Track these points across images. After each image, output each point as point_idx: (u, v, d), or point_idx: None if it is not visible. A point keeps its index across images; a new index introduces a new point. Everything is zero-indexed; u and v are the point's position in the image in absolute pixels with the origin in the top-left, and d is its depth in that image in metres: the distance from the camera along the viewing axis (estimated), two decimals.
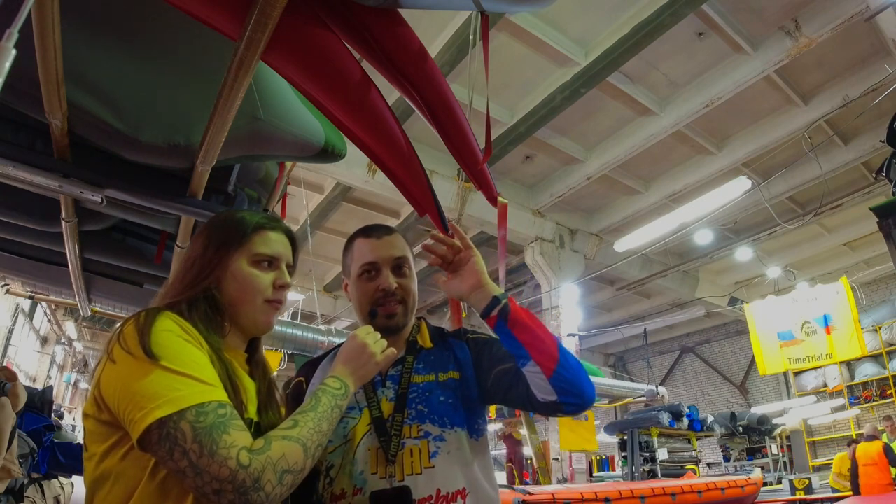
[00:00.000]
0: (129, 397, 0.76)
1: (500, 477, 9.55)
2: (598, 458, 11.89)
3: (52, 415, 4.59)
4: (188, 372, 0.79)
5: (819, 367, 10.36)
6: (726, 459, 11.10)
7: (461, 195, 7.40)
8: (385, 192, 7.01)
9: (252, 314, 0.99)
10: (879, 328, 10.41)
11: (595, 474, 10.55)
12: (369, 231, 1.24)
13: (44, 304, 9.29)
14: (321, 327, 7.03)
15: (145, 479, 0.78)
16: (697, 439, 9.07)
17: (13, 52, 0.88)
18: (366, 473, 1.07)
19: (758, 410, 11.00)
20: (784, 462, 10.51)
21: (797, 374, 11.29)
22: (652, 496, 5.03)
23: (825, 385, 11.03)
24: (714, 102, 6.21)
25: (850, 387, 10.82)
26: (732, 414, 10.50)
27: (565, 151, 7.46)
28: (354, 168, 6.55)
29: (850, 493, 6.88)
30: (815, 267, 10.80)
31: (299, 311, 8.11)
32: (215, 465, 0.73)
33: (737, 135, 7.29)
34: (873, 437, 6.76)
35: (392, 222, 8.27)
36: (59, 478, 4.48)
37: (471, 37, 2.37)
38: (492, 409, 7.73)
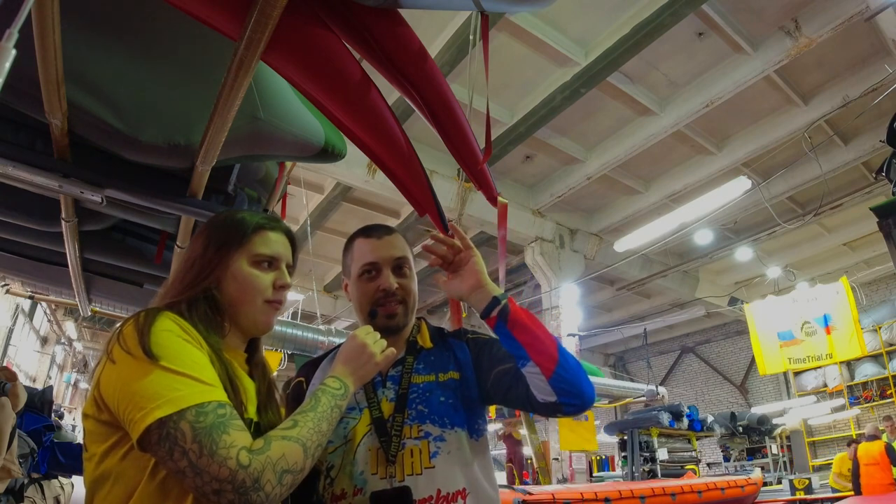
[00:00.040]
0: (128, 397, 0.76)
1: (500, 477, 9.55)
2: (598, 458, 11.88)
3: (52, 415, 4.59)
4: (188, 372, 0.79)
5: (819, 367, 10.36)
6: (726, 459, 11.10)
7: (461, 195, 7.40)
8: (385, 192, 7.01)
9: (252, 314, 0.99)
10: (879, 328, 10.41)
11: (595, 474, 10.55)
12: (369, 231, 1.24)
13: (44, 304, 9.29)
14: (321, 327, 7.03)
15: (145, 480, 0.78)
16: (697, 439, 9.07)
17: (13, 52, 0.88)
18: (366, 474, 1.07)
19: (758, 410, 11.00)
20: (784, 462, 10.51)
21: (797, 374, 11.29)
22: (652, 496, 5.03)
23: (825, 385, 11.03)
24: (714, 102, 6.21)
25: (850, 387, 10.82)
26: (732, 414, 10.50)
27: (565, 151, 7.46)
28: (354, 168, 6.55)
29: (850, 493, 6.88)
30: (815, 267, 10.80)
31: (299, 311, 8.11)
32: (215, 465, 0.73)
33: (737, 135, 7.29)
34: (875, 437, 6.74)
35: (392, 222, 8.27)
36: (59, 478, 4.48)
37: (471, 37, 2.37)
38: (492, 409, 7.73)
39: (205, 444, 0.73)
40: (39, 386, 8.42)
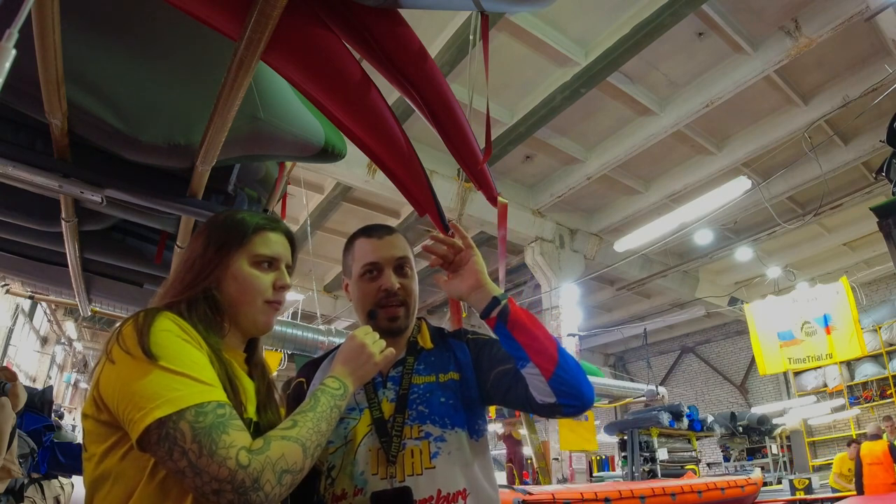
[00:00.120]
0: (128, 397, 0.76)
1: (500, 477, 9.55)
2: (598, 458, 11.88)
3: (52, 415, 4.59)
4: (187, 372, 0.79)
5: (819, 367, 10.36)
6: (726, 459, 11.10)
7: (461, 195, 7.40)
8: (385, 192, 7.01)
9: (252, 315, 0.99)
10: (879, 328, 10.41)
11: (595, 474, 10.55)
12: (370, 231, 1.24)
13: (44, 304, 9.29)
14: (321, 327, 7.03)
15: (145, 480, 0.78)
16: (697, 439, 9.07)
17: (13, 52, 0.88)
18: (366, 474, 1.07)
19: (758, 410, 11.00)
20: (784, 462, 10.51)
21: (797, 374, 11.29)
22: (652, 496, 5.03)
23: (825, 385, 11.03)
24: (714, 102, 6.21)
25: (850, 387, 10.82)
26: (732, 414, 10.50)
27: (565, 151, 7.46)
28: (354, 168, 6.55)
29: (850, 493, 6.87)
30: (815, 267, 10.80)
31: (299, 311, 8.11)
32: (214, 465, 0.73)
33: (737, 135, 7.29)
34: (877, 436, 6.73)
35: (392, 222, 8.27)
36: (59, 478, 4.48)
37: (471, 37, 2.37)
38: (492, 410, 7.73)
39: (204, 443, 0.73)
40: (39, 386, 8.42)
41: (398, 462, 1.06)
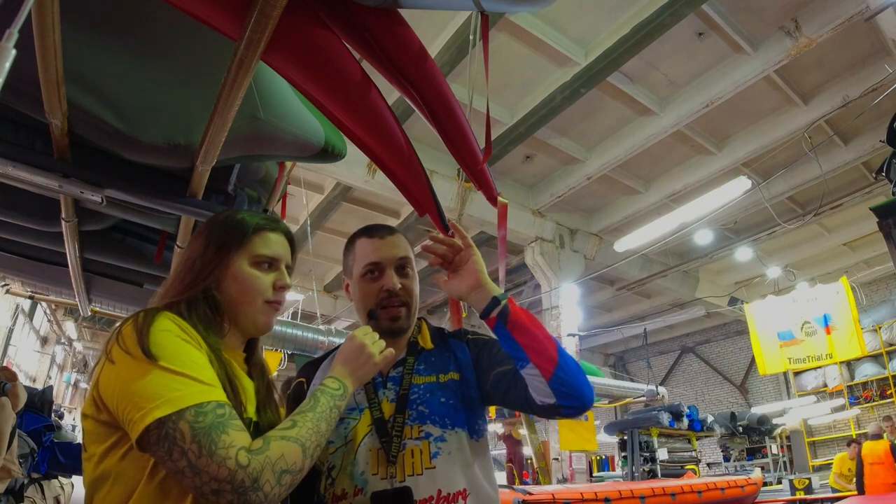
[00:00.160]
0: (127, 397, 0.76)
1: (500, 477, 9.55)
2: (598, 458, 11.89)
3: (52, 415, 4.59)
4: (187, 372, 0.79)
5: (819, 367, 10.36)
6: (726, 459, 11.10)
7: (461, 195, 7.40)
8: (385, 192, 7.01)
9: (252, 315, 0.99)
10: (879, 328, 10.41)
11: (595, 474, 10.55)
12: (372, 231, 1.23)
13: (44, 304, 9.29)
14: (321, 327, 7.03)
15: (144, 480, 0.78)
16: (697, 439, 9.07)
17: (13, 52, 0.88)
18: (367, 474, 1.07)
19: (758, 410, 11.00)
20: (784, 462, 10.51)
21: (797, 374, 11.29)
22: (652, 496, 5.03)
23: (825, 385, 11.03)
24: (714, 102, 6.20)
25: (850, 387, 10.82)
26: (732, 414, 10.50)
27: (565, 151, 7.46)
28: (354, 168, 6.55)
29: (850, 493, 6.86)
30: (815, 267, 10.80)
31: (299, 311, 8.11)
32: (214, 465, 0.73)
33: (737, 135, 7.29)
34: (878, 436, 6.71)
35: (392, 222, 8.27)
36: (59, 478, 4.48)
37: (471, 37, 2.37)
38: (492, 410, 7.73)
39: (204, 444, 0.73)
40: (39, 386, 8.42)
41: (398, 462, 1.06)
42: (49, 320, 11.14)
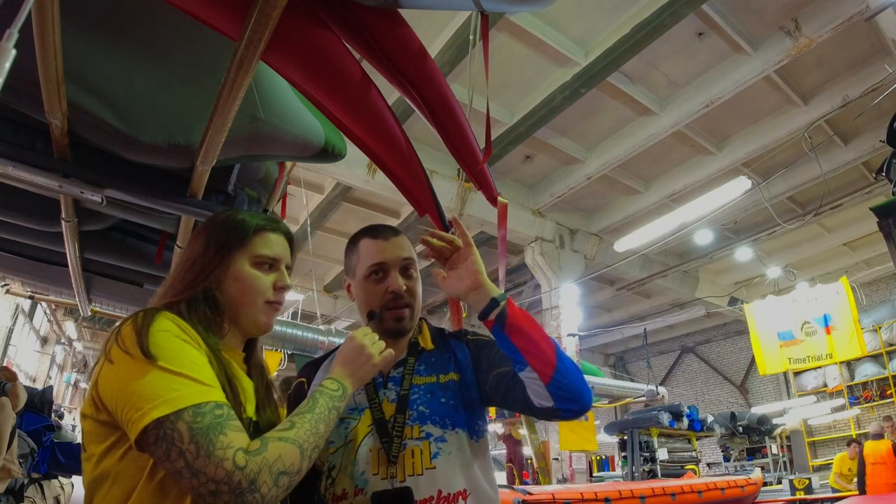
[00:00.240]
0: (126, 398, 0.76)
1: (500, 477, 9.55)
2: (598, 458, 11.89)
3: (52, 415, 4.59)
4: (186, 372, 0.79)
5: (819, 367, 10.36)
6: (726, 459, 11.10)
7: (461, 195, 7.40)
8: (385, 192, 7.01)
9: (253, 315, 0.99)
10: (879, 328, 10.41)
11: (595, 474, 10.55)
12: (376, 231, 1.22)
13: (44, 304, 9.29)
14: (321, 327, 7.03)
15: (144, 480, 0.78)
16: (697, 439, 9.07)
17: (13, 52, 0.88)
18: (367, 474, 1.07)
19: (758, 410, 11.00)
20: (784, 462, 10.51)
21: (797, 374, 11.29)
22: (652, 496, 5.03)
23: (825, 385, 11.03)
24: (714, 102, 6.20)
25: (850, 387, 10.82)
26: (732, 414, 10.50)
27: (565, 151, 7.46)
28: (354, 168, 6.55)
29: (850, 493, 6.86)
30: (815, 267, 10.80)
31: (299, 311, 8.11)
32: (211, 466, 0.73)
33: (737, 135, 7.29)
34: (880, 436, 6.71)
35: (392, 222, 8.28)
36: (59, 478, 4.48)
37: (471, 37, 2.37)
38: (492, 410, 7.73)
39: (201, 444, 0.73)
40: (39, 386, 8.42)
41: (399, 462, 1.06)
42: (49, 320, 11.14)
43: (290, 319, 7.07)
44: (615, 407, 13.10)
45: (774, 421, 10.53)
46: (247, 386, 0.97)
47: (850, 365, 10.70)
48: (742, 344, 13.20)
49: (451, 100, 1.50)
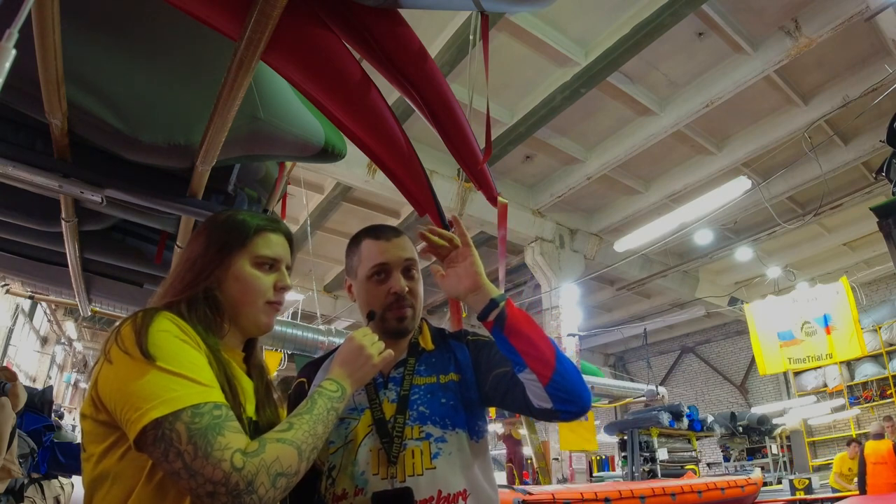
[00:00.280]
0: (125, 398, 0.76)
1: (500, 477, 9.55)
2: (598, 458, 11.89)
3: (52, 415, 4.59)
4: (185, 373, 0.78)
5: (819, 367, 10.36)
6: (726, 459, 11.10)
7: (461, 195, 7.40)
8: (385, 192, 7.01)
9: (253, 315, 0.99)
10: (879, 328, 10.41)
11: (595, 474, 10.55)
12: (378, 232, 1.22)
13: (44, 304, 9.29)
14: (321, 327, 7.03)
15: (143, 480, 0.78)
16: (697, 439, 9.07)
17: (13, 52, 0.88)
18: (367, 474, 1.07)
19: (758, 410, 11.00)
20: (784, 462, 10.51)
21: (797, 374, 11.29)
22: (652, 496, 5.03)
23: (825, 385, 11.03)
24: (714, 102, 6.20)
25: (850, 387, 10.82)
26: (732, 414, 10.50)
27: (565, 151, 7.46)
28: (354, 168, 6.55)
29: (850, 493, 6.86)
30: (815, 267, 10.80)
31: (299, 311, 8.11)
32: (209, 467, 0.73)
33: (737, 135, 7.29)
34: (880, 435, 6.70)
35: (392, 222, 8.27)
36: (59, 478, 4.47)
37: (471, 37, 2.37)
38: (492, 410, 7.72)
39: (199, 445, 0.73)
40: (39, 386, 8.42)
41: (399, 462, 1.06)
42: (49, 320, 11.14)
43: (290, 319, 7.07)
44: (615, 407, 13.10)
45: (774, 421, 10.53)
46: (246, 386, 0.96)
47: (850, 365, 10.70)
48: (742, 344, 13.20)
49: (451, 100, 1.50)
